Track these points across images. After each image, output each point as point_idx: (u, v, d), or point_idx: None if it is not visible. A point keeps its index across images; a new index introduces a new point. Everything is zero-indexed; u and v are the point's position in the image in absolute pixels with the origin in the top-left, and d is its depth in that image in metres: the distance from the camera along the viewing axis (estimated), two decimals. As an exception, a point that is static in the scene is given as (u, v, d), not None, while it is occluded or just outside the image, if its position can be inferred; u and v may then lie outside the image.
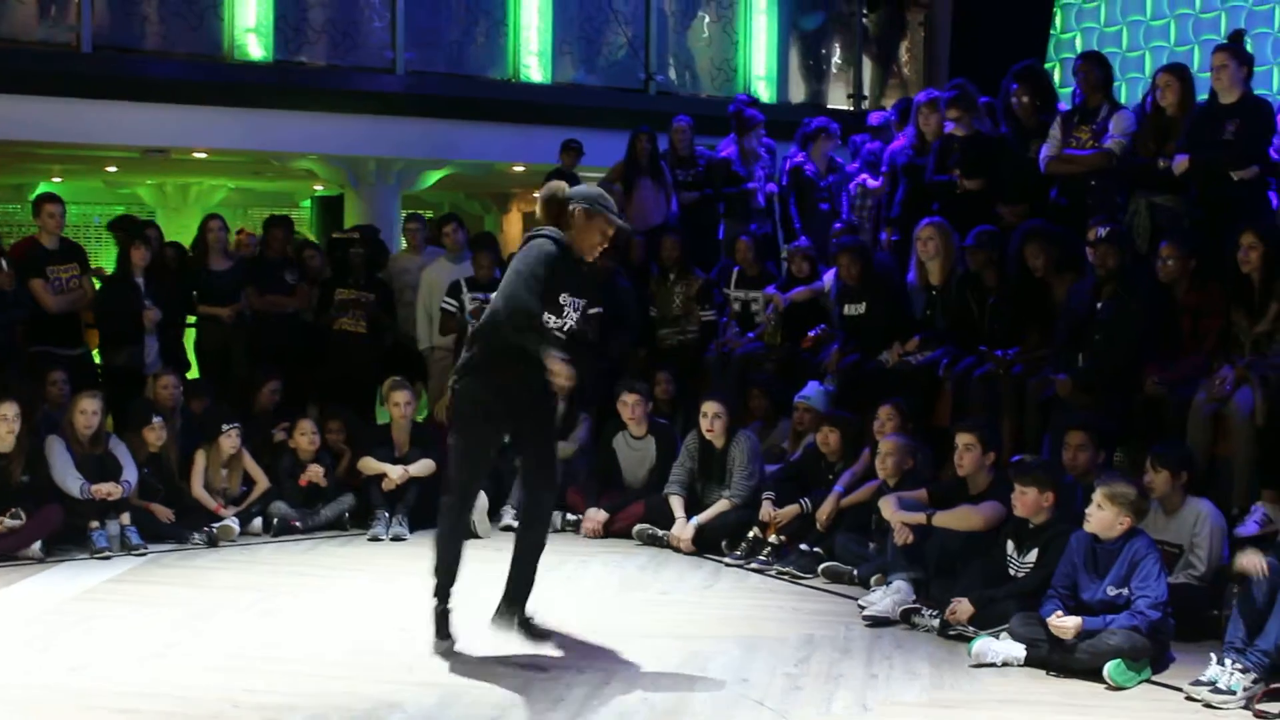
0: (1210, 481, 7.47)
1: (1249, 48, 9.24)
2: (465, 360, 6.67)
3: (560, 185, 6.71)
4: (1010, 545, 7.06)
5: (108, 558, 8.63)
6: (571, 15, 15.05)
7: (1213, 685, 5.94)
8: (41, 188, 17.58)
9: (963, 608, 6.88)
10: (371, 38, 14.03)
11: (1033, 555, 6.92)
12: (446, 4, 14.37)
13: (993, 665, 6.44)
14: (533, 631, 6.73)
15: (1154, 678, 6.29)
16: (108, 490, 8.81)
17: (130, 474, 9.00)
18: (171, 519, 9.17)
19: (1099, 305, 8.42)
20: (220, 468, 9.53)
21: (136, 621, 7.18)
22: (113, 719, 5.65)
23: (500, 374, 6.52)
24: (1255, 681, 5.91)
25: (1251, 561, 6.11)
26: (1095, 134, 9.31)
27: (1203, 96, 9.08)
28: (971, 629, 6.78)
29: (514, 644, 6.75)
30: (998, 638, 6.56)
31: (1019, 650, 6.46)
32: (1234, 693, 5.89)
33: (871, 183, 11.35)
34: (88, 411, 8.95)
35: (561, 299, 6.59)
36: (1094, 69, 9.58)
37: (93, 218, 21.38)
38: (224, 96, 13.18)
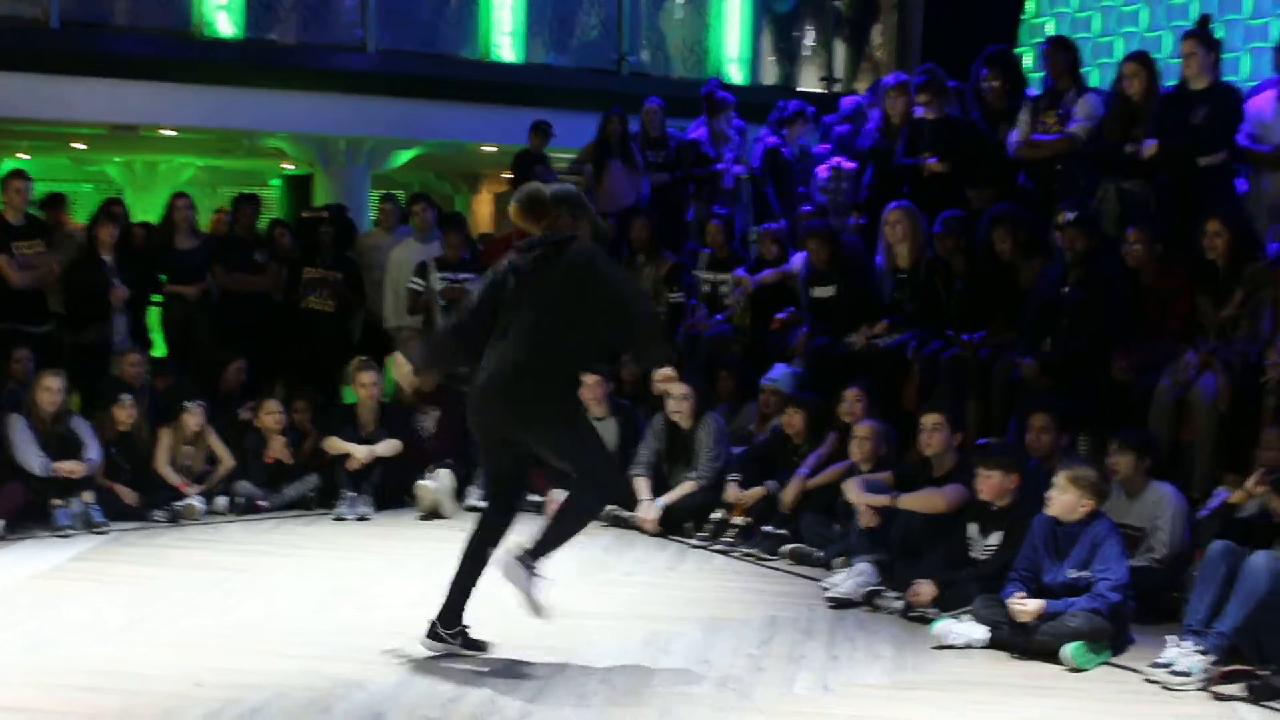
0: (1173, 466, 7.52)
1: (1218, 34, 9.29)
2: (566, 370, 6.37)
3: (539, 187, 6.53)
4: (973, 528, 7.09)
5: (70, 536, 8.61)
6: (545, -6, 15.04)
7: (1171, 667, 5.99)
8: (8, 165, 17.45)
9: (925, 589, 6.92)
10: (342, 16, 14.00)
11: (995, 538, 6.96)
12: (418, -18, 14.34)
13: (954, 647, 6.47)
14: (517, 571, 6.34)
15: (1113, 659, 6.34)
16: (70, 468, 8.79)
17: (93, 452, 8.97)
18: (135, 502, 9.13)
19: (1066, 289, 8.45)
20: (184, 445, 9.50)
21: (99, 600, 7.16)
22: (75, 697, 5.62)
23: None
24: (1213, 663, 5.95)
25: None
26: (1061, 118, 9.35)
27: (1171, 82, 9.12)
28: (934, 611, 6.83)
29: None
30: (959, 620, 6.60)
31: (981, 632, 6.50)
32: (1191, 674, 5.93)
33: (847, 165, 11.35)
34: (52, 389, 8.91)
35: None
36: (1060, 53, 9.61)
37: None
38: (193, 73, 13.15)
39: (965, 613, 6.65)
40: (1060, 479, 6.55)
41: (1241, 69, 11.54)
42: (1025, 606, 6.35)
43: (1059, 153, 9.34)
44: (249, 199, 11.95)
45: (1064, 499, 6.53)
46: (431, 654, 6.20)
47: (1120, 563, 6.43)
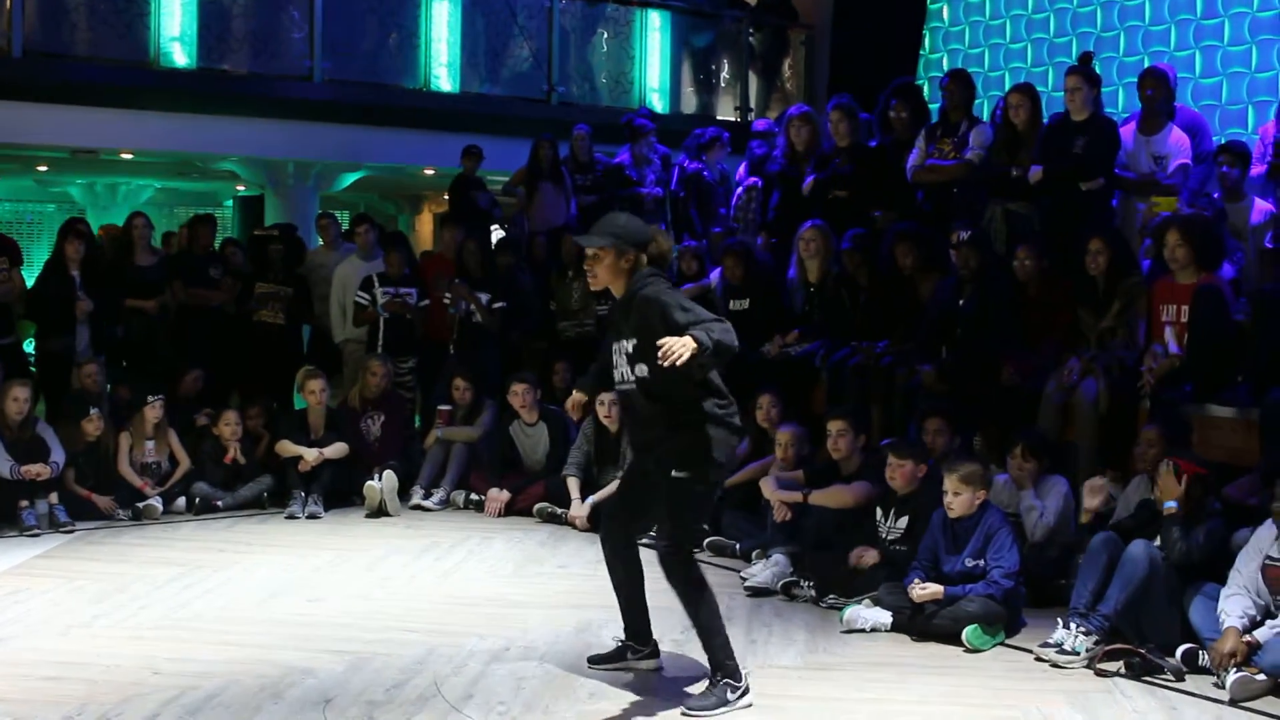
0: (1059, 462, 7.60)
1: (1097, 69, 9.42)
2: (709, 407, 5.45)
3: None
4: (879, 512, 7.16)
5: (37, 535, 8.49)
6: (479, 29, 14.97)
7: (1059, 647, 6.06)
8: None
9: (868, 555, 7.03)
10: (291, 47, 13.85)
11: (903, 521, 7.02)
12: (362, 16, 14.23)
13: (862, 631, 6.51)
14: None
15: (1007, 641, 6.40)
16: (37, 471, 8.67)
17: (58, 455, 8.84)
18: (113, 509, 9.01)
19: (961, 302, 8.54)
20: (145, 440, 9.38)
21: (63, 594, 7.06)
22: (39, 686, 5.54)
23: None
24: (1096, 643, 6.03)
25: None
26: (956, 146, 9.46)
27: (1055, 112, 9.25)
28: (840, 600, 6.87)
29: (416, 614, 6.74)
30: (867, 607, 6.64)
31: (886, 617, 6.55)
32: (1078, 653, 6.01)
33: (759, 184, 11.35)
34: (19, 399, 8.80)
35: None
36: (959, 87, 9.73)
37: (25, 215, 20.98)
38: (150, 100, 13.00)
39: (870, 598, 6.70)
40: (951, 483, 6.61)
41: (1119, 102, 11.70)
42: (926, 591, 6.41)
43: (955, 178, 9.45)
44: (205, 219, 11.83)
45: (961, 499, 6.60)
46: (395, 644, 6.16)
47: (1012, 551, 6.50)
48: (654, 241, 5.47)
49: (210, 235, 11.66)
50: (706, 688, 5.43)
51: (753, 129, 12.48)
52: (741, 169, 11.94)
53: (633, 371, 5.39)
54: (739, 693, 5.37)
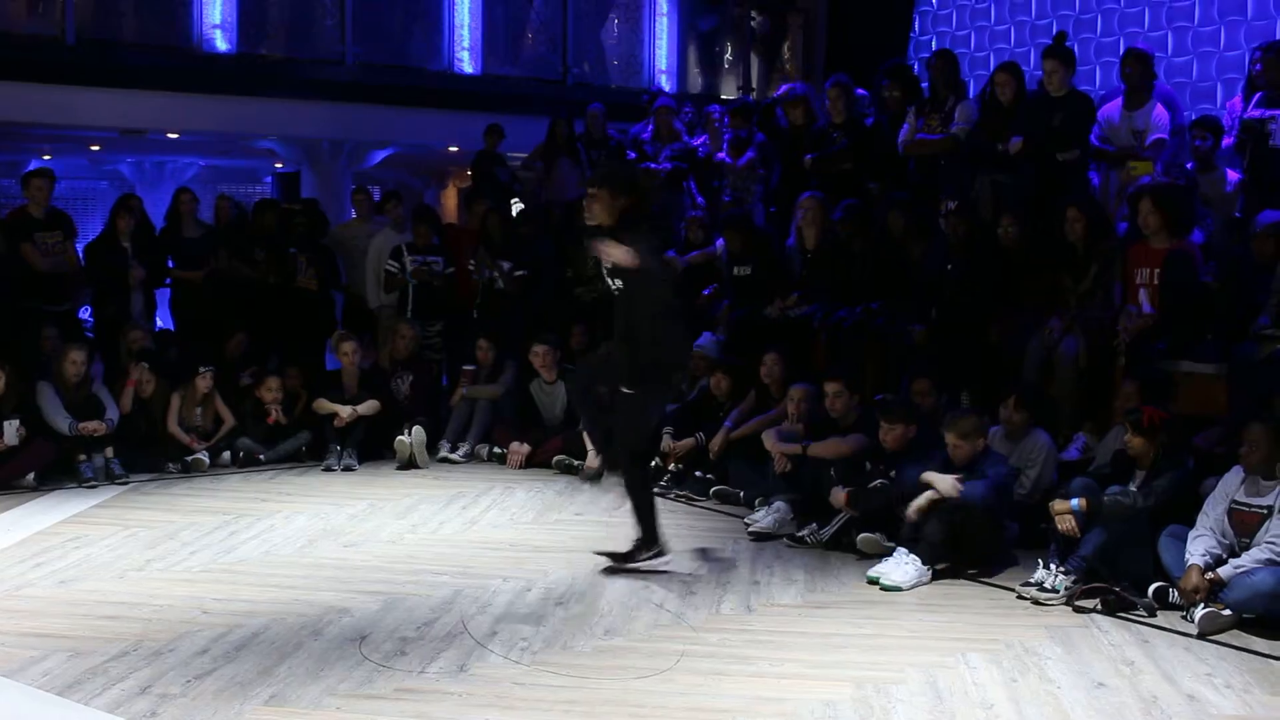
0: (1041, 415, 7.59)
1: (1074, 49, 9.34)
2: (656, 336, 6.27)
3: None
4: (868, 465, 7.16)
5: (94, 486, 8.51)
6: (499, 15, 14.90)
7: (1040, 585, 6.07)
8: (32, 165, 17.17)
9: (839, 496, 7.03)
10: (324, 33, 13.82)
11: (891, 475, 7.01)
12: (390, 4, 14.17)
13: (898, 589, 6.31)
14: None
15: (992, 580, 6.41)
16: (94, 427, 8.68)
17: (113, 413, 8.85)
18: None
19: (949, 266, 8.51)
20: (195, 406, 9.39)
21: (119, 541, 7.09)
22: (99, 624, 5.57)
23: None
24: (1074, 582, 6.04)
25: (1064, 518, 6.22)
26: (944, 120, 9.39)
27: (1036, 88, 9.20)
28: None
29: (445, 558, 6.76)
30: (895, 563, 6.42)
31: (915, 574, 6.37)
32: (1058, 591, 6.02)
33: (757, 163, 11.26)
34: (77, 362, 8.80)
35: None
36: (945, 66, 9.65)
37: (80, 191, 20.97)
38: (193, 84, 12.95)
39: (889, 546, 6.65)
40: (951, 436, 6.61)
41: (1096, 80, 11.63)
42: (943, 479, 6.48)
43: (943, 151, 9.39)
44: (271, 204, 11.77)
45: (961, 451, 6.60)
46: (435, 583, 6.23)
47: (1008, 468, 6.68)
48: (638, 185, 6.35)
49: (273, 222, 11.51)
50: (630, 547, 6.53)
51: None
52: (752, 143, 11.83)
53: (613, 284, 6.29)
54: (650, 554, 6.52)
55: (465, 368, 10.22)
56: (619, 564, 6.53)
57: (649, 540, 6.54)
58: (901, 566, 6.36)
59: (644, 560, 6.51)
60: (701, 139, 11.82)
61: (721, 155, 11.21)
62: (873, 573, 6.40)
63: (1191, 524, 5.97)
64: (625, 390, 6.29)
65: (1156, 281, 7.60)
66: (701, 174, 11.81)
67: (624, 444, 6.39)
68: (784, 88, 11.00)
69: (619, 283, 6.23)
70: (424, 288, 10.75)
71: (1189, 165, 8.64)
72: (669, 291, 6.40)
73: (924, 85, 10.15)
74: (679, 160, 11.72)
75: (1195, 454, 6.63)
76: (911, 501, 6.52)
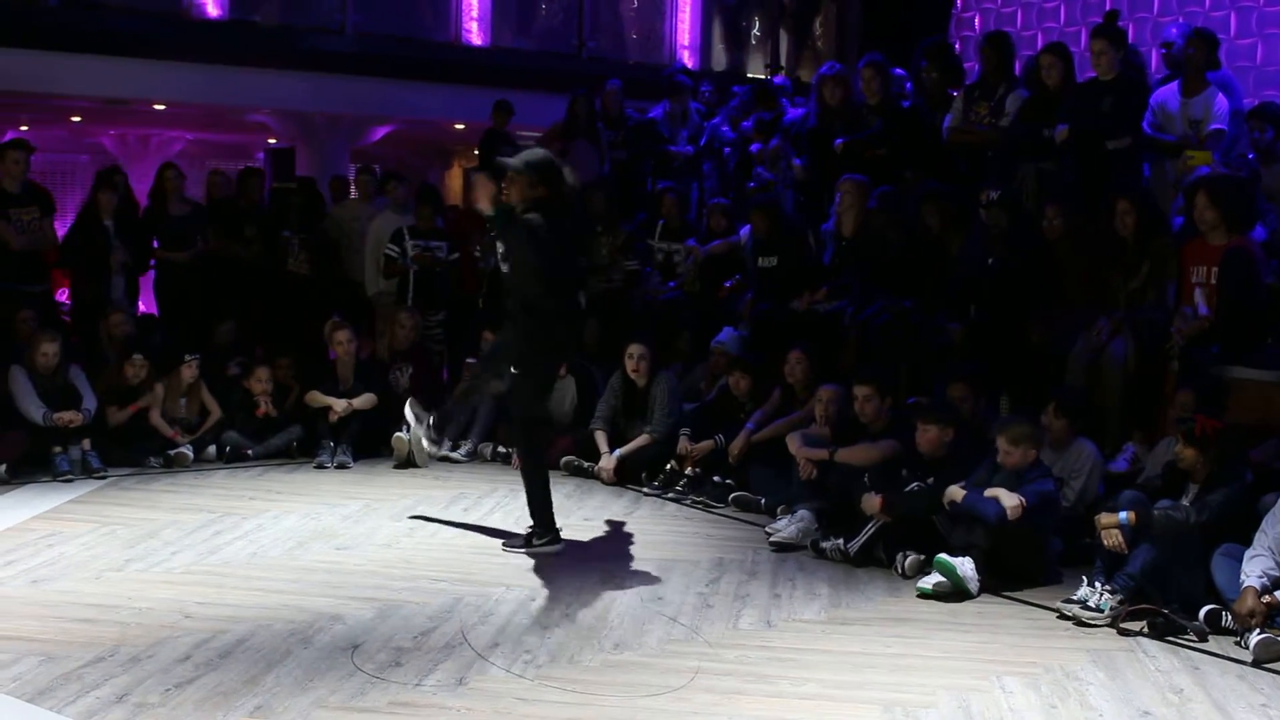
0: (1087, 423, 7.57)
1: (1126, 30, 9.32)
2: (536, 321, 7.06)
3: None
4: (905, 473, 7.11)
5: (70, 480, 8.54)
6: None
7: (1084, 603, 6.06)
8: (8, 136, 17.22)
9: (872, 501, 6.98)
10: (322, 1, 13.84)
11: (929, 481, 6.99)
12: (393, -31, 14.22)
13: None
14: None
15: (1030, 599, 6.40)
16: (69, 418, 8.71)
17: (90, 402, 8.88)
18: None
19: (990, 261, 8.49)
20: (179, 396, 9.42)
21: (96, 539, 7.12)
22: (73, 628, 5.59)
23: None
24: (1120, 602, 6.02)
25: (1110, 533, 6.21)
26: (993, 110, 9.37)
27: (1089, 70, 9.16)
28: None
29: (444, 563, 6.77)
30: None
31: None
32: (1102, 611, 6.00)
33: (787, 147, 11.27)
34: (48, 354, 8.80)
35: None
36: (996, 51, 9.62)
37: (58, 165, 21.02)
38: (182, 51, 13.00)
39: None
40: (1003, 443, 6.60)
41: (1151, 64, 11.58)
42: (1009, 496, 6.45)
43: (990, 144, 9.38)
44: (255, 172, 11.83)
45: (1012, 458, 6.58)
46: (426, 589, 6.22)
47: (1053, 481, 6.67)
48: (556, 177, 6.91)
49: (259, 190, 11.59)
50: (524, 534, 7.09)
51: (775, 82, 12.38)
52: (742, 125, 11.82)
53: (503, 266, 7.13)
54: (544, 541, 7.01)
55: (469, 360, 10.24)
56: (512, 548, 7.03)
57: (544, 526, 7.05)
58: (964, 564, 6.40)
59: (539, 549, 6.99)
60: (718, 120, 11.84)
61: (749, 138, 11.23)
62: (925, 583, 6.41)
63: (1247, 543, 5.93)
64: (513, 370, 7.08)
65: (1214, 281, 7.55)
66: (721, 159, 11.84)
67: (516, 421, 7.25)
68: (826, 66, 10.96)
69: (506, 267, 7.02)
70: (426, 274, 10.77)
71: (1250, 156, 8.61)
72: (540, 283, 6.87)
73: (966, 66, 10.13)
74: (701, 144, 11.75)
75: (1253, 468, 6.60)
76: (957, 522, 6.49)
